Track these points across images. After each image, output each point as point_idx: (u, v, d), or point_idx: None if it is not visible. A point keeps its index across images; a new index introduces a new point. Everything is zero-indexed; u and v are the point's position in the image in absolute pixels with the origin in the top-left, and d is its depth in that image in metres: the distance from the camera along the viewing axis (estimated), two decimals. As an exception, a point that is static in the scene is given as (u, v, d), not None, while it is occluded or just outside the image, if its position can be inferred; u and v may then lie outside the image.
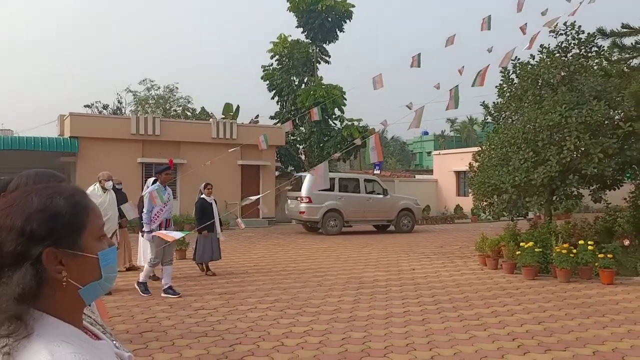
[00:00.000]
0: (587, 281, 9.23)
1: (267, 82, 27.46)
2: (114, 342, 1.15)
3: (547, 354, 5.26)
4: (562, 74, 11.15)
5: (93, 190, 8.51)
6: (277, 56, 27.32)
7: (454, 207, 27.61)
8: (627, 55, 11.31)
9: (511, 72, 12.24)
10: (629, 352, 5.32)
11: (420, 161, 71.49)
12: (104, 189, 8.58)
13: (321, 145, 25.41)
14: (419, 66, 10.38)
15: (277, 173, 24.31)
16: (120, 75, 77.79)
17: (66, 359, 0.93)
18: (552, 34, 11.79)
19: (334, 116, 25.99)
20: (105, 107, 34.71)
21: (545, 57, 11.73)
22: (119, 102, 35.03)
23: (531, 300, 7.75)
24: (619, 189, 12.15)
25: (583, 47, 11.70)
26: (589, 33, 11.67)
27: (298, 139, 27.05)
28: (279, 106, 27.70)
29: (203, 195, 9.95)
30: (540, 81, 11.49)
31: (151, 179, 8.77)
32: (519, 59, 12.09)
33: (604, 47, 11.75)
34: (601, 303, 7.57)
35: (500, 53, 9.31)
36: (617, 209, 12.15)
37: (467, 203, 24.18)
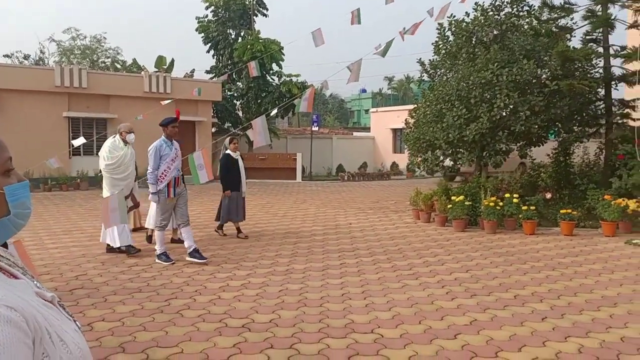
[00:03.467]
0: (511, 232, 9.76)
1: (203, 34, 26.54)
2: (35, 282, 1.09)
3: (472, 298, 5.56)
4: (495, 32, 11.43)
5: (113, 143, 7.79)
6: (212, 7, 26.35)
7: (391, 163, 28.22)
8: (556, 15, 11.66)
9: (446, 29, 12.40)
10: (546, 295, 5.71)
11: (358, 119, 72.14)
12: (125, 142, 7.82)
13: (259, 101, 25.04)
14: (359, 23, 10.26)
15: (213, 129, 23.83)
16: (42, 23, 72.69)
17: None
18: (486, -8, 11.99)
19: (272, 71, 25.58)
20: (26, 57, 32.50)
21: (479, 15, 11.94)
22: (41, 52, 32.87)
23: (460, 251, 8.12)
24: (543, 145, 12.80)
25: (515, 6, 11.99)
26: (521, -8, 11.96)
27: (235, 94, 26.52)
28: (215, 60, 26.91)
29: (228, 151, 9.10)
30: (474, 39, 11.74)
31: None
32: (454, 16, 12.26)
33: (534, 6, 12.09)
34: (523, 252, 8.04)
35: (438, 8, 9.35)
36: (540, 165, 12.81)
37: (403, 160, 24.76)
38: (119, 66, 31.87)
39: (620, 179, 10.19)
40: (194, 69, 26.96)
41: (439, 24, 12.30)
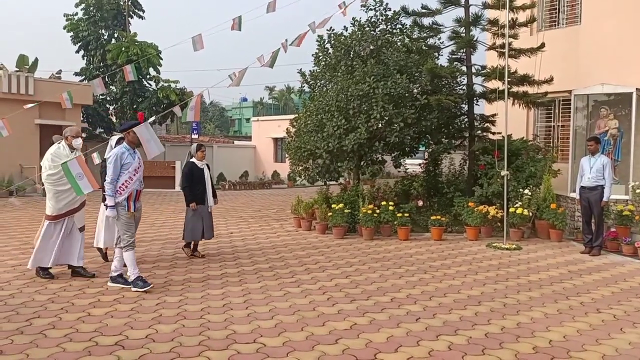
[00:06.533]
0: (387, 238, 10.22)
1: (72, 33, 24.80)
2: None
3: (352, 303, 5.71)
4: (371, 47, 11.94)
5: (58, 149, 6.66)
6: (83, 5, 24.73)
7: (272, 172, 28.31)
8: (425, 34, 12.49)
9: (326, 41, 12.75)
10: (419, 297, 6.04)
11: (239, 127, 71.65)
12: (72, 148, 6.75)
13: (135, 106, 23.90)
14: (239, 29, 10.19)
15: (83, 135, 22.27)
16: None
17: None
18: (363, 8, 12.54)
19: (148, 76, 24.56)
20: None
21: (356, 30, 12.43)
22: None
23: (340, 257, 8.33)
24: (415, 156, 13.61)
25: (389, 24, 12.67)
26: (394, 11, 12.66)
27: (108, 98, 25.07)
28: (85, 61, 25.26)
29: (194, 159, 8.20)
30: (352, 53, 12.16)
31: (114, 138, 6.69)
32: (333, 29, 12.66)
33: (407, 25, 12.85)
34: (398, 257, 8.44)
35: (319, 20, 9.54)
36: (413, 174, 13.59)
37: (284, 169, 24.96)
38: (-29, 63, 28.64)
39: (481, 188, 11.10)
40: (60, 70, 25.00)
41: (319, 36, 12.62)
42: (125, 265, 6.28)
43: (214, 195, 8.46)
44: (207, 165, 8.40)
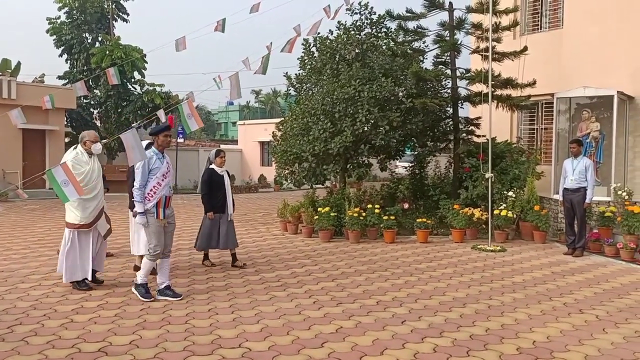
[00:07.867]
0: (374, 241, 10.24)
1: (55, 37, 24.58)
2: None
3: (338, 307, 5.71)
4: (357, 50, 11.98)
5: (77, 156, 6.32)
6: (66, 8, 24.53)
7: (258, 176, 28.27)
8: (410, 38, 12.56)
9: (312, 45, 12.77)
10: (405, 299, 6.06)
11: (225, 131, 71.47)
12: (90, 153, 6.44)
13: (119, 110, 23.73)
14: (222, 31, 10.17)
15: (67, 139, 22.06)
16: None
17: None
18: (348, 12, 12.59)
19: (133, 80, 24.40)
20: None
21: (342, 33, 12.47)
22: None
23: (326, 261, 8.33)
24: (400, 159, 13.65)
25: (374, 27, 12.73)
26: (379, 14, 12.72)
27: (92, 102, 24.87)
28: (68, 65, 25.04)
29: (213, 166, 7.87)
30: (337, 56, 12.20)
31: (144, 142, 6.27)
32: (319, 33, 12.67)
33: (391, 28, 12.91)
34: (384, 259, 8.46)
35: (305, 24, 9.59)
36: (399, 177, 13.64)
37: (270, 172, 24.89)
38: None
39: (467, 190, 11.17)
40: (43, 74, 24.74)
41: (304, 39, 12.65)
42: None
43: (233, 203, 8.12)
44: (227, 172, 8.09)
